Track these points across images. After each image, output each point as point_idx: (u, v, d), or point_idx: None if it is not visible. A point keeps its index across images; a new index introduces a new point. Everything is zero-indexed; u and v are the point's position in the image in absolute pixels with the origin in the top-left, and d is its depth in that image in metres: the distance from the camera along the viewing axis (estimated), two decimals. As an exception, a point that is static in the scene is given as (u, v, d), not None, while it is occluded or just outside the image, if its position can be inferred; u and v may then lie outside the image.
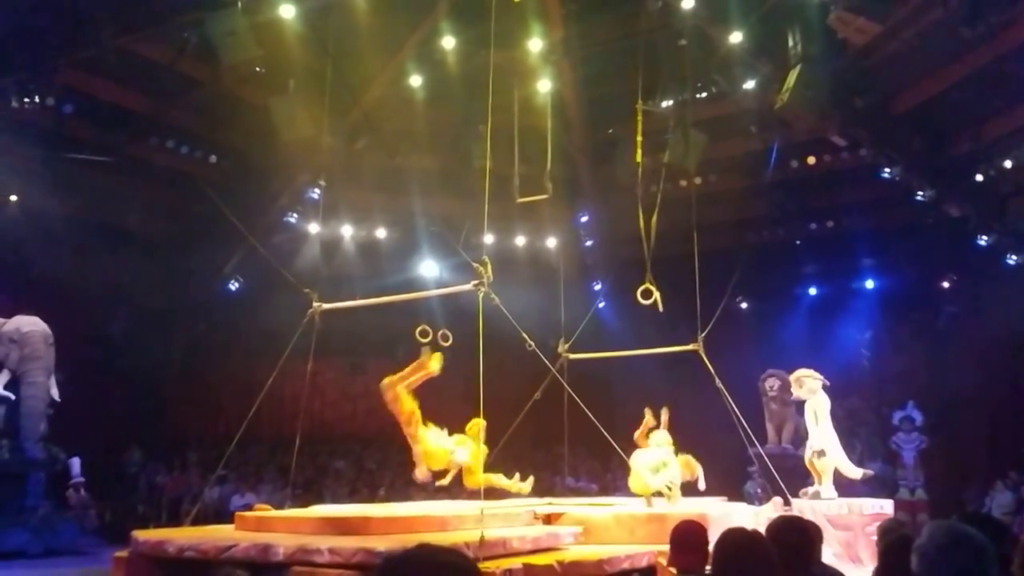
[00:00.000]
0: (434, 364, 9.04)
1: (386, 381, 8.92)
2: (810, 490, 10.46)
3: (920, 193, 16.30)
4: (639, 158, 11.84)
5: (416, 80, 16.67)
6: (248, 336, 18.57)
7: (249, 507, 11.56)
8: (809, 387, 10.58)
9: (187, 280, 18.38)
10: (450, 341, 10.86)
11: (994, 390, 17.44)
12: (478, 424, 9.23)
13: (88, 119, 16.14)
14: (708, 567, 3.80)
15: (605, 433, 10.89)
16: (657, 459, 8.92)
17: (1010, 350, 17.39)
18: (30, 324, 14.62)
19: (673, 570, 3.95)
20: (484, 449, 9.30)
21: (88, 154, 15.99)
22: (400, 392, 8.73)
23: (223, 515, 14.04)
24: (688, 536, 3.97)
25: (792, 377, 10.99)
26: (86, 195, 16.64)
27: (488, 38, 9.69)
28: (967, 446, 17.63)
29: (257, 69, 14.59)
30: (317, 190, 17.09)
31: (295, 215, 18.17)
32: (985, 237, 16.68)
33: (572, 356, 11.89)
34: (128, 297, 17.94)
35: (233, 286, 18.91)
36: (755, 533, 3.64)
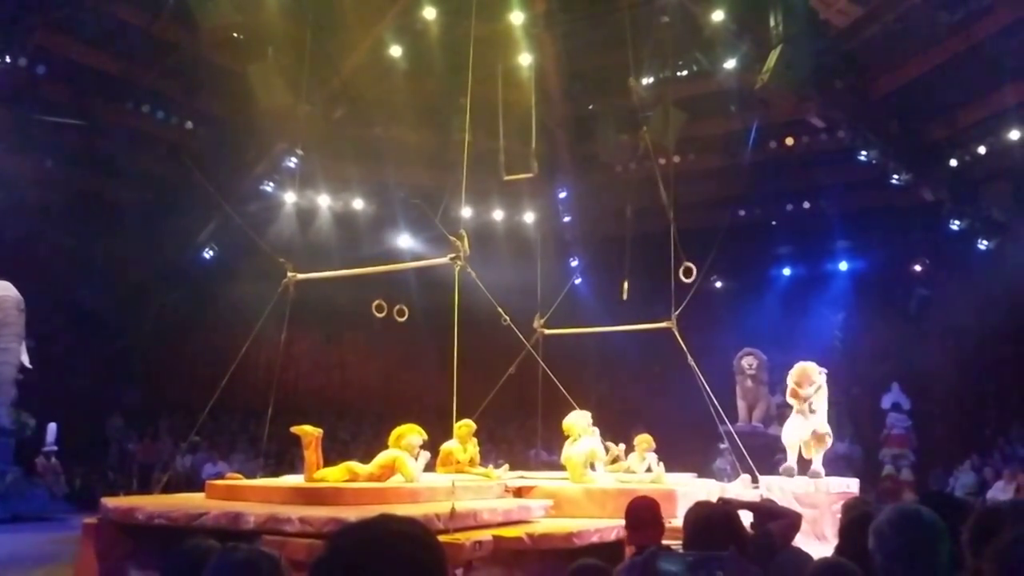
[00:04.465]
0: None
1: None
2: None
3: (896, 177, 16.46)
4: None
5: (396, 50, 16.52)
6: (222, 305, 18.47)
7: (221, 476, 11.54)
8: (819, 383, 10.17)
9: (161, 247, 18.20)
10: (406, 316, 10.89)
11: (962, 372, 17.72)
12: (467, 427, 9.18)
13: (62, 81, 15.88)
14: (663, 542, 3.87)
15: (577, 408, 10.94)
16: (587, 449, 8.95)
17: (978, 333, 17.66)
18: (2, 289, 14.39)
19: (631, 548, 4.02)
20: (475, 449, 9.27)
21: (61, 117, 15.74)
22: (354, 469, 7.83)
23: (195, 483, 14.02)
24: (642, 512, 4.06)
25: (804, 371, 10.31)
26: (59, 159, 16.40)
27: (470, 9, 9.61)
28: (934, 426, 17.93)
29: (235, 35, 14.39)
30: (294, 159, 16.93)
31: (271, 184, 18.00)
32: (958, 222, 16.89)
33: (548, 331, 11.93)
34: (100, 263, 17.74)
35: (208, 254, 18.74)
36: (723, 505, 3.70)
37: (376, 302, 10.83)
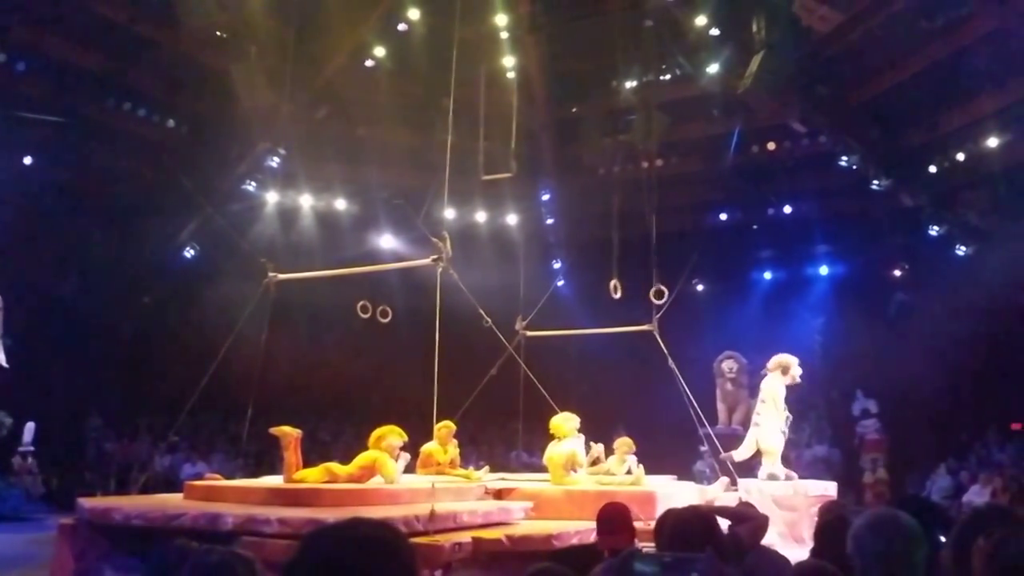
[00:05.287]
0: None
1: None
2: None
3: (876, 182, 16.58)
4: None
5: (380, 51, 16.50)
6: (203, 304, 18.35)
7: (200, 476, 11.48)
8: (794, 374, 10.39)
9: (141, 246, 18.05)
10: (389, 317, 10.91)
11: (939, 376, 17.86)
12: (448, 428, 9.21)
13: (42, 78, 15.72)
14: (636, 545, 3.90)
15: (559, 410, 10.97)
16: (569, 450, 8.99)
17: (956, 338, 17.81)
18: (-21, 287, 14.27)
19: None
20: (455, 451, 9.32)
21: (41, 114, 15.59)
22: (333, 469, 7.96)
23: (174, 484, 13.93)
24: (613, 517, 4.08)
25: (782, 361, 10.53)
26: (39, 156, 16.25)
27: (454, 11, 9.62)
28: (911, 430, 18.06)
29: (218, 33, 14.33)
30: (276, 159, 16.87)
31: (253, 183, 17.89)
32: (937, 227, 17.03)
33: (529, 333, 11.95)
34: (80, 261, 17.59)
35: (189, 253, 18.62)
36: (698, 508, 3.72)
37: (361, 303, 10.84)
